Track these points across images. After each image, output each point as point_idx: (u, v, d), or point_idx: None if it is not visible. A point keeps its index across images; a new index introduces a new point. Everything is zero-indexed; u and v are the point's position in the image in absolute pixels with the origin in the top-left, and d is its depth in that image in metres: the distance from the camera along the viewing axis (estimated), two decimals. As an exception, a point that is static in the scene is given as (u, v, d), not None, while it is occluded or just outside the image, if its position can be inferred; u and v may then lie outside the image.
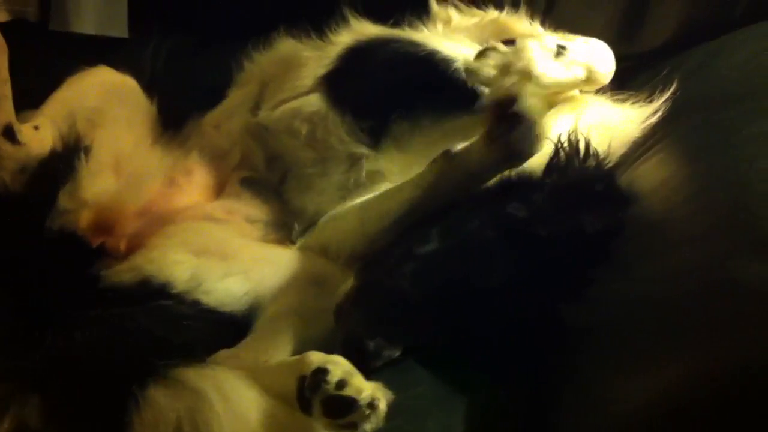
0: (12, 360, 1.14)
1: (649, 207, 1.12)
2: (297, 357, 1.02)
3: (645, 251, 1.06)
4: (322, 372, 0.94)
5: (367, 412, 0.91)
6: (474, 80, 1.31)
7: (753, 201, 0.97)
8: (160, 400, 0.97)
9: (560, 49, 1.30)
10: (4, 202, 1.27)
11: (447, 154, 1.20)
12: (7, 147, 1.28)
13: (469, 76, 1.31)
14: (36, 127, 1.33)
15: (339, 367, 0.95)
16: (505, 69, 1.28)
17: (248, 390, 0.98)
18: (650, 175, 1.19)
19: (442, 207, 1.21)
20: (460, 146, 1.20)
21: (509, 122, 1.12)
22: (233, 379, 1.00)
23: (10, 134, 1.28)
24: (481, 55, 1.29)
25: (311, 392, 0.94)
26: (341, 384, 0.93)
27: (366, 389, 0.92)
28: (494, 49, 1.29)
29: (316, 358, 0.97)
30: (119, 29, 1.90)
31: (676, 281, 0.95)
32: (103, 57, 1.74)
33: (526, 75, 1.26)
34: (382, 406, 0.92)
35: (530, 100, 1.13)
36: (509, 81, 1.26)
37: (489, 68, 1.28)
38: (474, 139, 1.19)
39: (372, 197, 1.30)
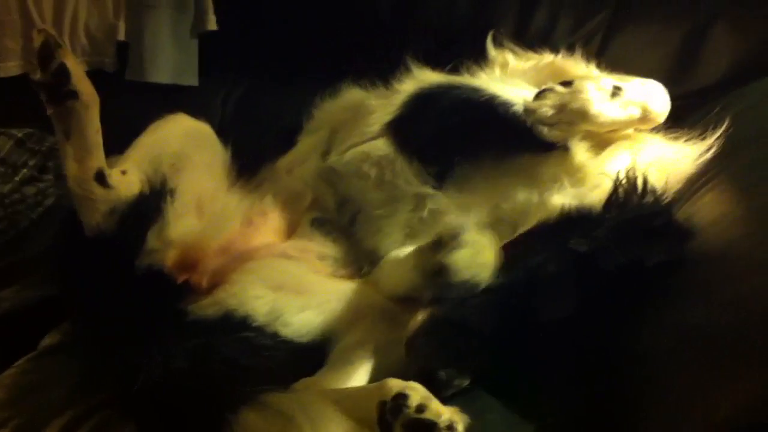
0: (110, 390, 1.24)
1: (708, 241, 1.13)
2: (376, 383, 1.07)
3: (706, 283, 1.07)
4: (402, 397, 0.99)
5: None
6: (533, 119, 1.34)
7: None
8: (252, 424, 1.05)
9: (616, 90, 1.34)
10: (97, 242, 1.31)
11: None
12: (99, 190, 1.32)
13: (528, 116, 1.35)
14: (123, 172, 1.37)
15: (418, 392, 1.00)
16: (562, 109, 1.32)
17: (333, 414, 1.04)
18: (707, 211, 1.22)
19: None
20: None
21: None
22: (318, 404, 1.06)
23: (101, 179, 1.32)
24: (539, 95, 1.34)
25: (392, 416, 0.99)
26: (421, 408, 0.98)
27: (444, 413, 0.97)
28: (552, 90, 1.34)
29: (395, 384, 1.03)
30: (191, 78, 2.05)
31: (738, 308, 0.97)
32: (175, 104, 1.88)
33: (582, 115, 1.31)
34: (461, 428, 0.97)
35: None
36: (566, 119, 1.32)
37: (547, 108, 1.33)
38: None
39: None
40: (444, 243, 1.18)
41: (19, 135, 1.88)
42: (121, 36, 2.01)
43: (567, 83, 1.35)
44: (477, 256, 1.19)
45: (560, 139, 1.37)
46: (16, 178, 1.80)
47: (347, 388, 1.15)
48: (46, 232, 1.73)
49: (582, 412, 1.10)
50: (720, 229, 1.15)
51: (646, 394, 1.01)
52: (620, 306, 1.13)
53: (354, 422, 1.03)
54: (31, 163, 1.84)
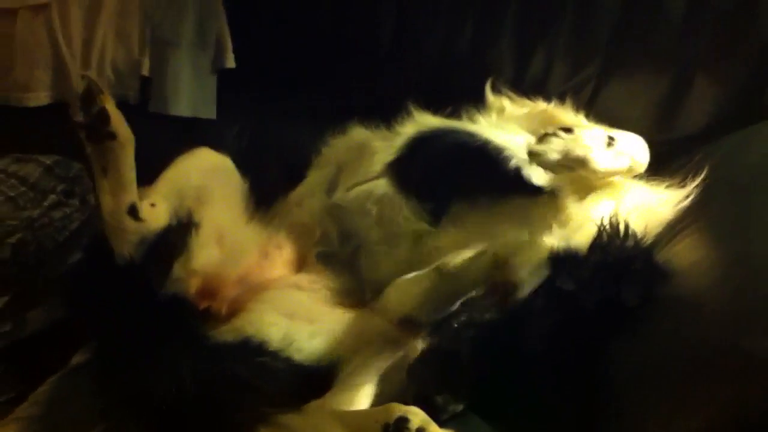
0: (136, 408, 1.30)
1: (681, 285, 1.22)
2: (381, 407, 1.16)
3: (677, 323, 1.17)
4: (403, 420, 1.09)
5: None
6: (538, 162, 1.39)
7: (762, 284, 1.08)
8: None
9: (610, 140, 1.41)
10: (126, 271, 1.41)
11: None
12: (131, 223, 1.41)
13: (533, 158, 1.40)
14: (153, 205, 1.46)
15: (418, 416, 1.10)
16: (565, 154, 1.37)
17: None
18: (683, 256, 1.29)
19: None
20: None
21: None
22: (328, 424, 1.16)
23: (133, 212, 1.42)
24: (543, 139, 1.38)
25: None
26: (420, 430, 1.08)
27: None
28: (555, 135, 1.38)
29: (397, 408, 1.11)
30: (209, 111, 2.13)
31: (700, 349, 1.07)
32: (193, 135, 1.97)
33: (582, 162, 1.38)
34: None
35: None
36: (566, 164, 1.37)
37: (553, 153, 1.37)
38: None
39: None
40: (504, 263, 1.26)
41: (48, 162, 1.95)
42: (146, 71, 2.07)
43: (567, 129, 1.41)
44: None
45: (549, 184, 1.45)
46: (45, 203, 1.86)
47: (354, 411, 1.24)
48: (70, 255, 1.81)
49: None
50: (693, 274, 1.24)
51: (612, 420, 1.13)
52: (599, 340, 1.22)
53: None
54: (59, 189, 1.91)
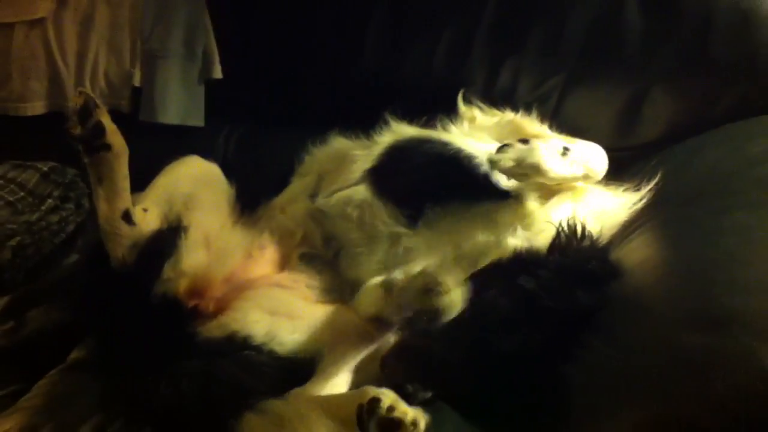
0: (130, 399, 1.39)
1: (631, 283, 1.29)
2: (356, 390, 1.24)
3: (626, 321, 1.23)
4: (376, 401, 1.15)
5: (411, 429, 1.12)
6: (495, 168, 1.48)
7: (707, 287, 1.16)
8: (254, 427, 1.21)
9: (565, 150, 1.48)
10: (120, 272, 1.48)
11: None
12: (125, 228, 1.48)
13: (492, 165, 1.48)
14: (145, 210, 1.54)
15: (388, 396, 1.16)
16: (519, 162, 1.44)
17: (320, 416, 1.21)
18: (633, 255, 1.37)
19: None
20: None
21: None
22: (308, 408, 1.23)
23: (127, 218, 1.49)
24: (501, 149, 1.47)
25: (368, 416, 1.15)
26: (391, 409, 1.14)
27: (409, 413, 1.14)
28: (511, 145, 1.47)
29: (370, 390, 1.18)
30: (197, 119, 2.17)
31: (645, 348, 1.15)
32: (182, 142, 1.99)
33: (535, 169, 1.45)
34: (422, 425, 1.13)
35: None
36: (521, 171, 1.45)
37: (508, 161, 1.45)
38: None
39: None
40: (431, 290, 1.25)
41: (44, 168, 2.04)
42: (137, 82, 2.12)
43: (524, 141, 1.49)
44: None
45: (515, 189, 1.53)
46: (42, 208, 1.95)
47: (331, 395, 1.32)
48: (67, 256, 1.90)
49: (519, 423, 1.26)
50: (642, 273, 1.31)
51: (567, 413, 1.20)
52: (557, 338, 1.27)
53: (337, 423, 1.20)
54: (55, 194, 2.00)
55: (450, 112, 1.80)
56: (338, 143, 1.80)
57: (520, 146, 1.47)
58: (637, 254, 1.38)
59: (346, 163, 1.70)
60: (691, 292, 1.18)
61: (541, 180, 1.49)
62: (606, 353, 1.21)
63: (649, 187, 1.52)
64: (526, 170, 1.46)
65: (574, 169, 1.50)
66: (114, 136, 1.48)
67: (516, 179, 1.51)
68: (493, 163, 1.48)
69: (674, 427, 1.02)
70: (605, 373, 1.19)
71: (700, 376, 1.03)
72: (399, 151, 1.67)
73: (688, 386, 1.04)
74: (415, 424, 1.12)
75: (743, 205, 1.34)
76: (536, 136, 1.55)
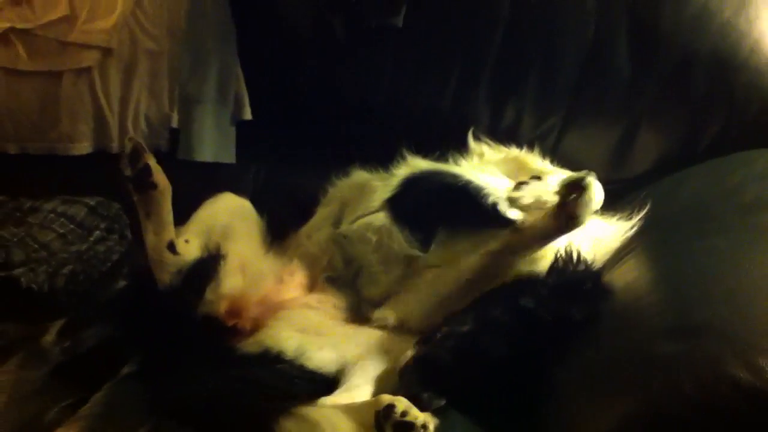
0: (177, 408, 1.47)
1: (618, 300, 1.41)
2: (374, 398, 1.34)
3: (611, 331, 1.36)
4: (391, 407, 1.24)
5: (422, 431, 1.22)
6: (515, 206, 1.59)
7: (681, 301, 1.29)
8: (288, 428, 1.30)
9: None
10: (167, 295, 1.61)
11: (514, 227, 1.52)
12: (170, 256, 1.61)
13: (512, 203, 1.59)
14: (187, 241, 1.66)
15: (402, 402, 1.25)
16: (537, 198, 1.56)
17: (345, 421, 1.31)
18: (622, 276, 1.48)
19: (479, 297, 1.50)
20: (525, 222, 1.51)
21: (578, 192, 1.43)
22: (336, 414, 1.33)
23: (172, 248, 1.62)
24: (518, 187, 1.58)
25: (384, 420, 1.23)
26: (404, 413, 1.23)
27: (420, 417, 1.23)
28: (527, 183, 1.58)
29: (386, 397, 1.26)
30: (229, 157, 2.29)
31: (625, 353, 1.27)
32: (215, 177, 2.15)
33: (550, 204, 1.54)
34: (431, 427, 1.23)
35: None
36: (537, 206, 1.55)
37: (527, 197, 1.57)
38: (536, 218, 1.51)
39: (433, 281, 1.60)
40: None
41: (91, 203, 2.16)
42: (174, 124, 2.24)
43: (537, 177, 1.59)
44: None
45: (521, 218, 1.62)
46: (90, 239, 2.07)
47: (354, 403, 1.39)
48: (114, 282, 1.99)
49: (517, 422, 1.38)
50: (625, 291, 1.44)
51: (557, 411, 1.33)
52: (553, 348, 1.39)
53: (359, 426, 1.30)
54: (102, 226, 2.11)
55: (460, 148, 1.92)
56: (359, 176, 1.90)
57: (534, 183, 1.59)
58: (625, 276, 1.50)
59: (367, 193, 1.80)
60: (667, 306, 1.31)
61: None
62: (593, 359, 1.34)
63: (639, 216, 1.63)
64: (541, 206, 1.56)
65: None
66: (159, 175, 1.61)
67: (529, 214, 1.59)
68: (512, 201, 1.59)
69: (649, 421, 1.13)
70: (592, 375, 1.31)
71: (672, 377, 1.15)
72: (414, 183, 1.78)
73: (662, 386, 1.15)
74: (425, 426, 1.22)
75: (719, 230, 1.47)
76: (544, 173, 1.67)
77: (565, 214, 1.45)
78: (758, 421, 1.07)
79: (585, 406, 1.28)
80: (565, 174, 1.67)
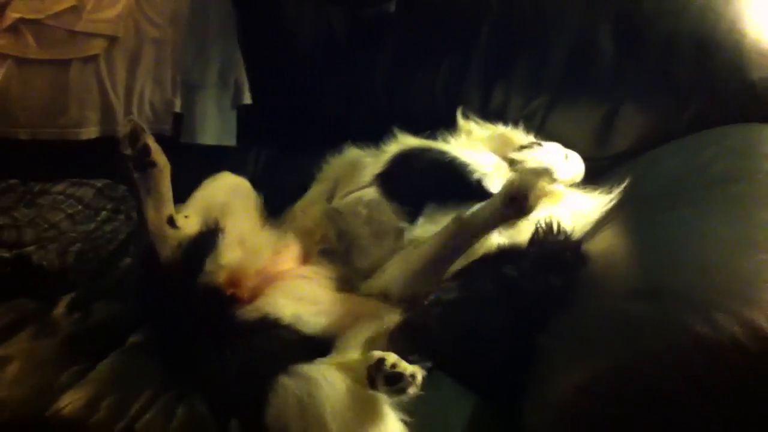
0: (179, 372, 1.57)
1: (593, 267, 1.48)
2: (366, 355, 1.39)
3: (586, 296, 1.42)
4: (382, 360, 1.29)
5: (410, 380, 1.27)
6: (515, 168, 1.67)
7: (649, 267, 1.37)
8: (287, 385, 1.37)
9: (566, 155, 1.69)
10: (169, 267, 1.66)
11: (457, 218, 1.57)
12: (170, 231, 1.67)
13: (512, 165, 1.68)
14: (187, 216, 1.72)
15: (392, 356, 1.30)
16: (540, 163, 1.65)
17: (339, 376, 1.38)
18: (598, 245, 1.55)
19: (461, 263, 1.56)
20: (468, 213, 1.56)
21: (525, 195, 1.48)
22: (330, 370, 1.40)
23: (172, 222, 1.67)
24: (521, 149, 1.68)
25: (376, 373, 1.29)
26: (394, 366, 1.28)
27: (408, 368, 1.28)
28: (530, 146, 1.68)
29: (377, 353, 1.32)
30: (230, 140, 2.36)
31: (597, 316, 1.35)
32: (218, 160, 2.22)
33: (548, 170, 1.67)
34: (419, 377, 1.28)
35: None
36: (539, 170, 1.65)
37: (530, 161, 1.67)
38: (479, 206, 1.56)
39: (410, 253, 1.65)
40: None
41: (99, 185, 2.24)
42: (178, 108, 2.31)
43: (537, 143, 1.69)
44: None
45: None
46: (98, 219, 2.15)
47: (347, 360, 1.47)
48: (121, 260, 2.08)
49: (499, 383, 1.44)
50: (600, 259, 1.51)
51: (536, 372, 1.38)
52: (534, 314, 1.44)
53: (352, 381, 1.37)
54: (109, 207, 2.20)
55: (450, 127, 1.98)
56: (352, 153, 1.97)
57: (537, 148, 1.69)
58: (601, 245, 1.58)
59: (359, 169, 1.88)
60: (636, 271, 1.40)
61: (545, 181, 1.68)
62: (568, 322, 1.41)
63: (618, 190, 1.70)
64: (541, 171, 1.66)
65: (571, 174, 1.72)
66: (158, 155, 1.66)
67: (523, 179, 1.57)
68: (513, 162, 1.69)
69: (618, 377, 1.20)
70: (567, 336, 1.38)
71: (638, 334, 1.23)
72: (404, 158, 1.85)
73: (630, 344, 1.23)
74: (413, 376, 1.28)
75: (688, 201, 1.55)
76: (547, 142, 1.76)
77: (516, 204, 1.50)
78: (714, 371, 1.16)
79: (559, 365, 1.34)
80: (554, 146, 1.77)
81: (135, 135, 1.64)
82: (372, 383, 1.31)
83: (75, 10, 2.29)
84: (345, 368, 1.42)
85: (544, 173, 1.66)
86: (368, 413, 1.35)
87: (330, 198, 1.91)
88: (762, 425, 1.18)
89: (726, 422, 1.18)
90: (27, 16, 2.30)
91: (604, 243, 1.58)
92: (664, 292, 1.28)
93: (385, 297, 1.65)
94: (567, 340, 1.38)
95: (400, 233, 1.74)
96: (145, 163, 1.66)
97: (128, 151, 1.64)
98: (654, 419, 1.18)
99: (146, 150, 1.65)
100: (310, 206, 1.94)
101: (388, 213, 1.76)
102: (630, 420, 1.20)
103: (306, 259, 1.85)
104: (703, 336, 1.15)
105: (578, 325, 1.39)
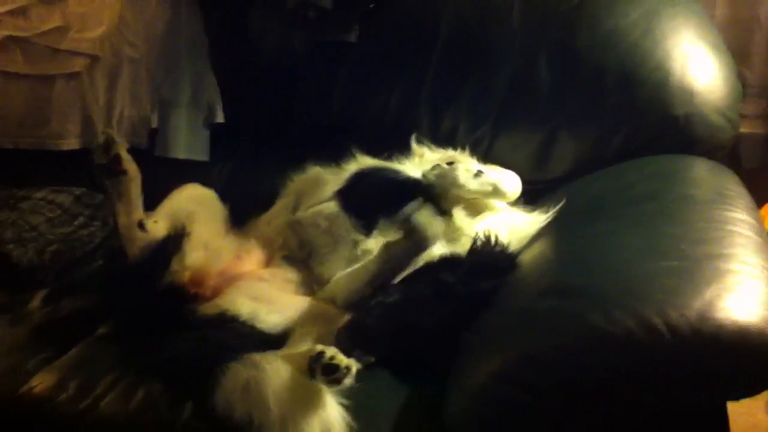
0: (141, 360, 1.63)
1: (519, 273, 1.61)
2: (308, 348, 1.50)
3: (506, 295, 1.55)
4: (321, 353, 1.38)
5: (345, 371, 1.37)
6: (426, 181, 1.81)
7: (563, 270, 1.51)
8: (237, 370, 1.47)
9: (479, 172, 1.80)
10: (136, 267, 1.77)
11: (386, 244, 1.71)
12: (140, 234, 1.78)
13: (423, 178, 1.81)
14: (155, 221, 1.83)
15: (331, 350, 1.39)
16: (443, 177, 1.79)
17: (284, 366, 1.49)
18: (528, 255, 1.68)
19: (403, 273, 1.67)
20: (392, 240, 1.69)
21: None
22: (277, 360, 1.51)
23: (141, 226, 1.79)
24: (432, 168, 1.81)
25: (315, 363, 1.38)
26: (331, 358, 1.37)
27: (344, 361, 1.38)
28: (439, 166, 1.81)
29: (318, 347, 1.40)
30: (203, 155, 2.46)
31: (513, 311, 1.48)
32: (188, 172, 2.34)
33: (453, 182, 1.79)
34: (354, 370, 1.38)
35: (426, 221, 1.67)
36: (443, 183, 1.79)
37: (433, 175, 1.80)
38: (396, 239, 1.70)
39: (356, 268, 1.75)
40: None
41: (77, 192, 2.33)
42: (154, 124, 2.42)
43: (450, 164, 1.81)
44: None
45: (447, 208, 1.86)
46: (75, 223, 2.25)
47: (292, 352, 1.57)
48: (94, 261, 2.20)
49: (435, 378, 1.51)
50: (526, 266, 1.65)
51: (460, 365, 1.48)
52: (465, 315, 1.56)
53: (295, 370, 1.48)
54: (85, 213, 2.29)
55: (405, 151, 2.10)
56: (314, 171, 2.08)
57: (445, 166, 1.82)
58: (529, 254, 1.72)
59: (320, 185, 1.99)
60: (551, 273, 1.55)
61: (457, 192, 1.81)
62: (489, 319, 1.55)
63: (554, 209, 1.80)
64: (447, 183, 1.79)
65: (483, 187, 1.82)
66: (129, 163, 1.77)
67: (440, 192, 1.81)
68: (423, 176, 1.82)
69: (527, 364, 1.32)
70: (487, 332, 1.52)
71: (546, 329, 1.36)
72: (361, 177, 1.97)
73: (538, 336, 1.37)
74: (348, 368, 1.38)
75: (608, 217, 1.70)
76: (460, 162, 1.91)
77: (415, 236, 1.67)
78: (610, 360, 1.30)
79: (476, 355, 1.47)
80: (493, 169, 1.93)
81: (108, 145, 1.76)
82: (311, 372, 1.40)
83: (61, 30, 2.40)
84: (291, 359, 1.53)
85: (450, 185, 1.81)
86: (308, 398, 1.46)
87: (294, 211, 2.01)
88: (651, 409, 1.34)
89: (619, 406, 1.33)
90: (15, 34, 2.42)
91: (532, 252, 1.73)
92: (571, 290, 1.42)
93: (333, 303, 1.78)
94: (485, 334, 1.50)
95: (355, 244, 1.85)
96: (116, 171, 1.78)
97: (102, 160, 1.77)
98: (556, 403, 1.30)
99: (117, 159, 1.76)
100: (274, 218, 2.04)
101: (346, 225, 1.87)
102: (536, 403, 1.31)
103: (267, 264, 1.96)
104: (601, 329, 1.27)
105: (496, 321, 1.51)
